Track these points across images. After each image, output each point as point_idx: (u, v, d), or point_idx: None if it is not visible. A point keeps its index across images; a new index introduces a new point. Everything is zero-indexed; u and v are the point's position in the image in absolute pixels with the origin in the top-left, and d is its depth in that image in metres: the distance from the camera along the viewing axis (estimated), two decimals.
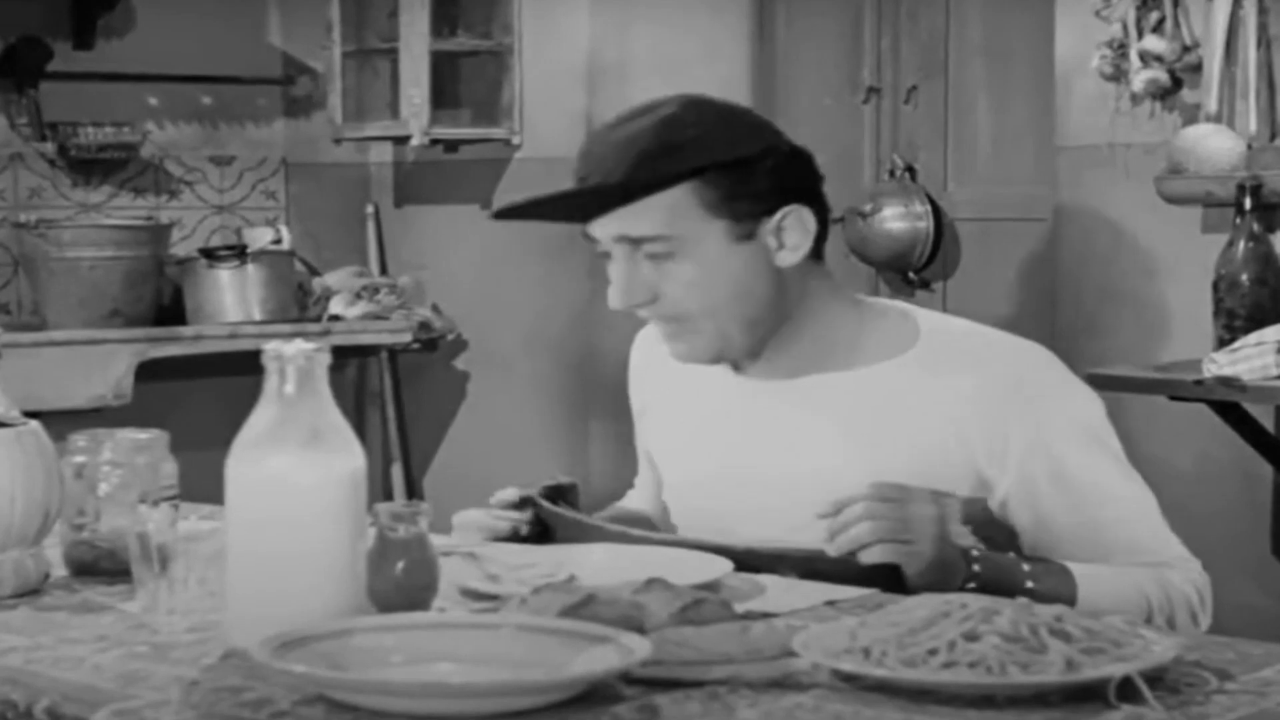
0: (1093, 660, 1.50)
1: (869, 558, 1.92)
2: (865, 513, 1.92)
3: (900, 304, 2.24)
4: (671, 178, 2.06)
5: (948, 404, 2.09)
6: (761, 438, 2.19)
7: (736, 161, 2.08)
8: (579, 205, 2.12)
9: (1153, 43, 4.04)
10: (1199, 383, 3.50)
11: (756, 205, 2.09)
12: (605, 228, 2.10)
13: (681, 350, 2.17)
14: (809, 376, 2.17)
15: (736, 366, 2.21)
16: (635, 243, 2.09)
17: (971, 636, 1.51)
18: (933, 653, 1.51)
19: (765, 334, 2.15)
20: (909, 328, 2.16)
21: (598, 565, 1.95)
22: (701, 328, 2.12)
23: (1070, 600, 1.97)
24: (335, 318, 5.05)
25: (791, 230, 2.11)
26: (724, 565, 1.94)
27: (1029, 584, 1.97)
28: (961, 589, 1.87)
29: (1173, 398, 3.69)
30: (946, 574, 1.94)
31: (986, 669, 1.48)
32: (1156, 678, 1.51)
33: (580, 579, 1.85)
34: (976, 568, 1.97)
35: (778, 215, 2.10)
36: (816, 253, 2.15)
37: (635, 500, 2.45)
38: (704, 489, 2.23)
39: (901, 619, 1.57)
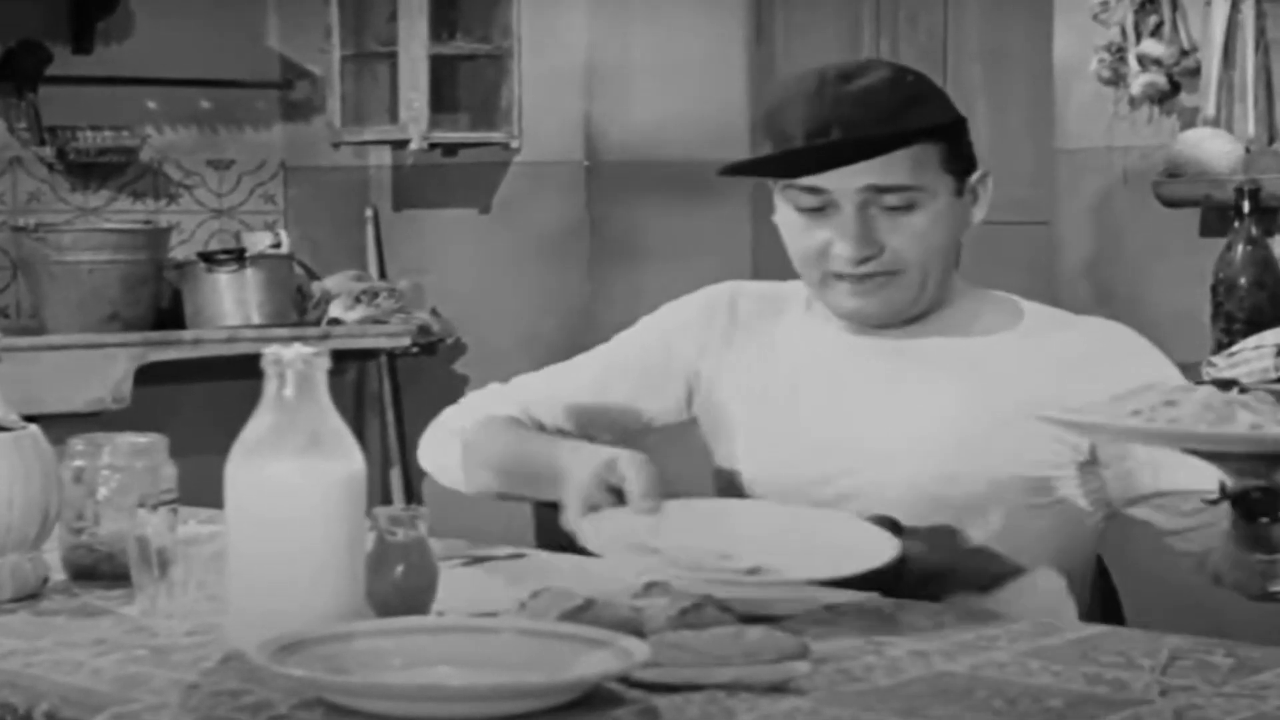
0: None
1: None
2: None
3: (998, 291, 2.32)
4: (929, 129, 2.14)
5: (1049, 366, 2.15)
6: (876, 394, 2.20)
7: (960, 120, 2.20)
8: (827, 157, 2.13)
9: (1151, 46, 4.04)
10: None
11: (968, 164, 2.21)
12: (851, 178, 2.13)
13: (876, 307, 2.19)
14: (929, 339, 2.22)
15: (858, 327, 2.24)
16: (881, 192, 2.13)
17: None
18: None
19: (938, 291, 2.21)
20: (1013, 307, 2.27)
21: (757, 536, 1.94)
22: (909, 280, 2.18)
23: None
24: (334, 321, 5.05)
25: (984, 191, 2.24)
26: (891, 546, 1.92)
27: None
28: None
29: None
30: None
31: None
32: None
33: (741, 556, 1.86)
34: None
35: (976, 175, 2.22)
36: None
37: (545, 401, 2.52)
38: (810, 443, 2.22)
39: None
